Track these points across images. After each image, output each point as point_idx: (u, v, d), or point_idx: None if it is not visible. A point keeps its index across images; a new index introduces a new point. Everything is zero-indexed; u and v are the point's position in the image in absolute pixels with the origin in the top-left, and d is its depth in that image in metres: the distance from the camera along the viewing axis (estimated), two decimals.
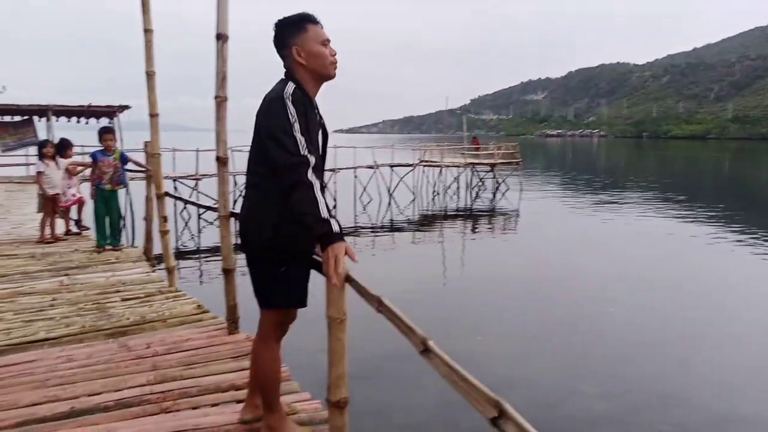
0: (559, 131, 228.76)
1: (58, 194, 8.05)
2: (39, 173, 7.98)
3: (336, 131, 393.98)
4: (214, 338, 4.15)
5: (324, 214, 2.18)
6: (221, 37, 3.77)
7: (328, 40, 2.47)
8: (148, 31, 5.10)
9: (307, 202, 2.18)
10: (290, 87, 2.38)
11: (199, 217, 18.56)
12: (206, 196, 18.47)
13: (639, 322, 8.80)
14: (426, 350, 1.62)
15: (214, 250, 14.73)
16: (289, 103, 2.30)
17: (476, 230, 18.59)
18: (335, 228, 2.17)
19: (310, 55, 2.43)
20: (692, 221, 19.06)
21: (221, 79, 3.81)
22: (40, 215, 8.32)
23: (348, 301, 2.31)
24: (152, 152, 5.27)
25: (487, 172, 29.84)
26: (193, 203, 6.20)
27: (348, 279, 2.36)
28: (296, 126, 2.27)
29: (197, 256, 13.79)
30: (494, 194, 27.27)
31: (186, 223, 17.80)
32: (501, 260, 13.84)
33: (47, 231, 8.01)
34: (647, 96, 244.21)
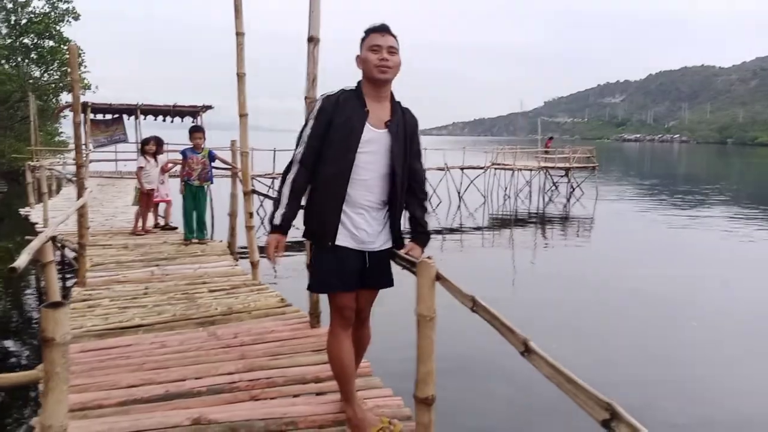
0: (638, 136, 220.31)
1: (153, 189, 8.50)
2: (140, 168, 8.42)
3: None
4: (297, 331, 4.28)
5: (277, 208, 2.73)
6: (312, 40, 3.88)
7: (378, 46, 2.62)
8: (239, 35, 5.31)
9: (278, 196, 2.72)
10: (333, 91, 2.72)
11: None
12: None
13: (721, 339, 8.39)
14: (528, 350, 1.62)
15: (288, 247, 15.10)
16: (315, 106, 2.71)
17: (548, 236, 18.18)
18: (275, 221, 2.72)
19: (361, 60, 2.68)
20: None
21: (311, 81, 3.93)
22: (134, 208, 8.79)
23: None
24: (242, 150, 5.49)
25: (562, 176, 29.13)
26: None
27: (438, 277, 2.39)
28: (306, 127, 2.69)
29: None
30: (568, 199, 26.58)
31: (262, 220, 18.33)
32: (574, 268, 13.48)
33: (140, 223, 8.46)
34: (733, 100, 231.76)
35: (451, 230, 18.40)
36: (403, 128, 2.72)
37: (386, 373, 3.68)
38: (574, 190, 28.10)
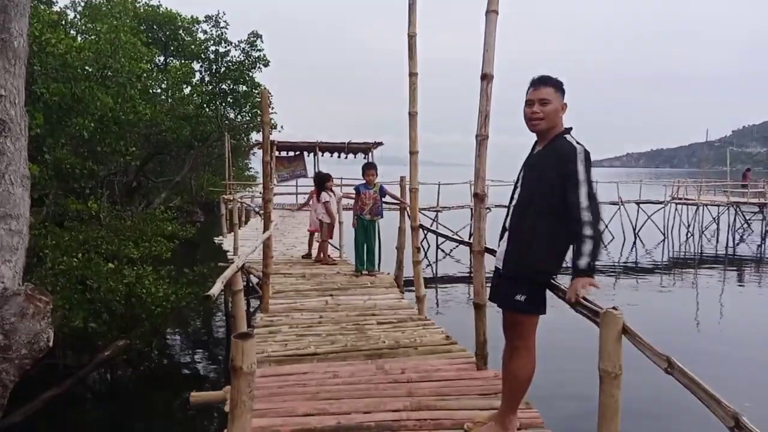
0: None
1: (333, 222, 9.07)
2: (327, 203, 9.05)
3: None
4: (463, 371, 4.21)
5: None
6: (486, 77, 3.87)
7: (530, 101, 2.93)
8: (413, 75, 5.48)
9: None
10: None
11: (438, 248, 19.24)
12: (444, 227, 19.06)
13: None
14: (738, 427, 1.42)
15: (449, 280, 15.13)
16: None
17: (739, 279, 16.23)
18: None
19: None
20: None
21: (484, 118, 3.90)
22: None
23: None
24: (412, 187, 5.62)
25: (756, 212, 25.98)
26: (449, 237, 6.42)
27: (625, 330, 2.22)
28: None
29: (433, 285, 14.23)
30: (763, 239, 23.61)
31: (425, 252, 18.58)
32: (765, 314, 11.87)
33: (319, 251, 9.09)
34: None
35: (625, 269, 17.18)
36: (540, 164, 2.99)
37: (557, 426, 3.47)
38: None
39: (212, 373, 8.43)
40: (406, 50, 5.47)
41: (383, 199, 8.11)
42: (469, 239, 4.32)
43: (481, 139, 3.94)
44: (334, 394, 3.83)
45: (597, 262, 2.71)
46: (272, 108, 21.41)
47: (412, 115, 5.59)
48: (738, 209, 25.75)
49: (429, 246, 19.11)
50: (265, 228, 6.17)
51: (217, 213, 15.77)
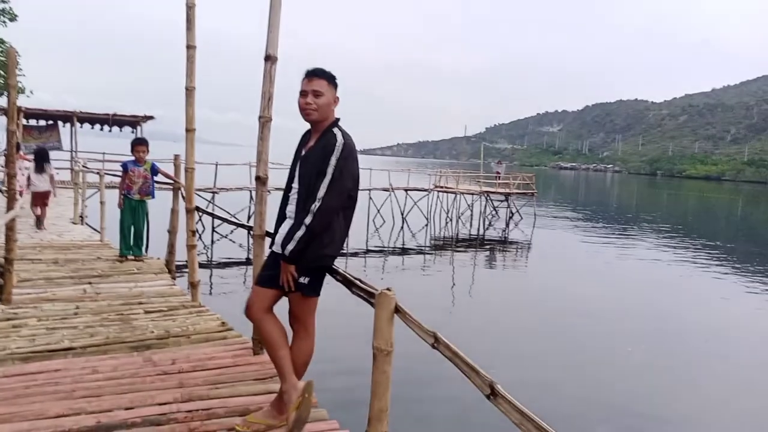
0: (573, 164, 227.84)
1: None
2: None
3: None
4: (239, 358, 4.11)
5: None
6: (270, 59, 3.78)
7: (303, 91, 3.00)
8: (190, 47, 5.13)
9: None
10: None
11: (213, 230, 18.63)
12: (221, 209, 18.51)
13: (657, 363, 8.67)
14: (494, 394, 1.57)
15: (225, 264, 14.76)
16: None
17: (488, 259, 18.48)
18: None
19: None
20: (703, 262, 18.83)
21: (267, 100, 3.82)
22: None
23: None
24: (188, 167, 5.28)
25: (502, 201, 29.78)
26: (227, 221, 6.15)
27: (397, 309, 2.33)
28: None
29: (209, 270, 13.75)
30: (507, 224, 27.17)
31: (200, 235, 17.83)
32: (511, 291, 13.74)
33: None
34: (663, 134, 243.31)
35: (393, 251, 18.42)
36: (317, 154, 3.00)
37: (332, 404, 3.57)
38: (513, 215, 28.77)
39: None
40: (185, 21, 5.11)
41: (155, 178, 7.54)
42: (248, 222, 4.21)
43: (264, 121, 3.85)
44: (93, 392, 3.46)
45: (301, 253, 2.87)
46: (19, 69, 18.62)
47: (189, 91, 5.25)
48: (488, 198, 29.24)
49: (204, 229, 18.39)
50: (9, 208, 5.32)
51: None
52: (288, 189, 3.15)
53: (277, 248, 3.07)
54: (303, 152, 3.10)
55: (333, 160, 2.90)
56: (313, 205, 2.86)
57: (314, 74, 3.00)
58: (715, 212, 47.10)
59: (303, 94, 3.00)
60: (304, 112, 3.01)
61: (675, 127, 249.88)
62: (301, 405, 2.90)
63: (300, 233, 2.86)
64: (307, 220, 2.85)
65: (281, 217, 3.15)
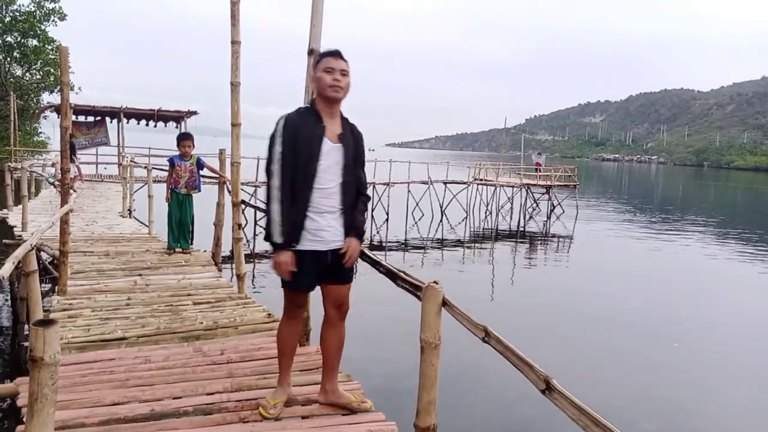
0: (616, 155, 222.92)
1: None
2: None
3: (388, 145, 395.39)
4: None
5: (272, 226, 2.92)
6: (313, 53, 3.82)
7: (331, 68, 2.93)
8: (235, 43, 5.21)
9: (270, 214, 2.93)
10: (295, 110, 3.02)
11: (256, 223, 18.92)
12: (263, 202, 18.74)
13: (703, 359, 8.45)
14: (549, 389, 1.56)
15: (267, 257, 14.96)
16: (279, 125, 2.92)
17: (528, 253, 18.25)
18: (276, 240, 2.90)
19: (315, 79, 3.00)
20: (750, 255, 18.22)
21: (311, 94, 3.85)
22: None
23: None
24: (234, 161, 5.37)
25: (543, 193, 29.36)
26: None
27: (445, 303, 2.33)
28: (275, 145, 2.89)
29: (252, 262, 13.98)
30: (548, 217, 26.78)
31: (242, 228, 18.11)
32: (552, 286, 13.55)
33: None
34: (710, 124, 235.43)
35: (432, 244, 18.38)
36: (353, 141, 3.05)
37: (377, 397, 3.60)
38: (554, 208, 28.34)
39: None
40: (229, 17, 5.19)
41: (201, 173, 7.70)
42: None
43: None
44: (146, 380, 3.57)
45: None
46: (69, 67, 19.30)
47: (235, 86, 5.34)
48: (529, 190, 28.87)
49: (247, 222, 18.67)
50: (63, 202, 5.51)
51: (1, 183, 13.81)
52: (311, 179, 2.89)
53: (325, 245, 3.00)
54: (328, 139, 2.93)
55: (365, 148, 3.15)
56: (365, 192, 3.12)
57: (339, 54, 3.00)
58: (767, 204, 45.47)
59: (329, 71, 2.94)
60: (333, 89, 2.93)
61: (722, 116, 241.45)
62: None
63: (363, 218, 3.09)
64: (364, 205, 3.10)
65: (329, 210, 2.97)
